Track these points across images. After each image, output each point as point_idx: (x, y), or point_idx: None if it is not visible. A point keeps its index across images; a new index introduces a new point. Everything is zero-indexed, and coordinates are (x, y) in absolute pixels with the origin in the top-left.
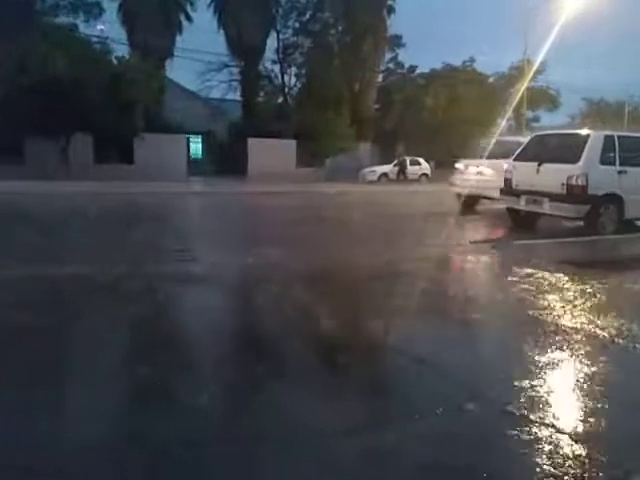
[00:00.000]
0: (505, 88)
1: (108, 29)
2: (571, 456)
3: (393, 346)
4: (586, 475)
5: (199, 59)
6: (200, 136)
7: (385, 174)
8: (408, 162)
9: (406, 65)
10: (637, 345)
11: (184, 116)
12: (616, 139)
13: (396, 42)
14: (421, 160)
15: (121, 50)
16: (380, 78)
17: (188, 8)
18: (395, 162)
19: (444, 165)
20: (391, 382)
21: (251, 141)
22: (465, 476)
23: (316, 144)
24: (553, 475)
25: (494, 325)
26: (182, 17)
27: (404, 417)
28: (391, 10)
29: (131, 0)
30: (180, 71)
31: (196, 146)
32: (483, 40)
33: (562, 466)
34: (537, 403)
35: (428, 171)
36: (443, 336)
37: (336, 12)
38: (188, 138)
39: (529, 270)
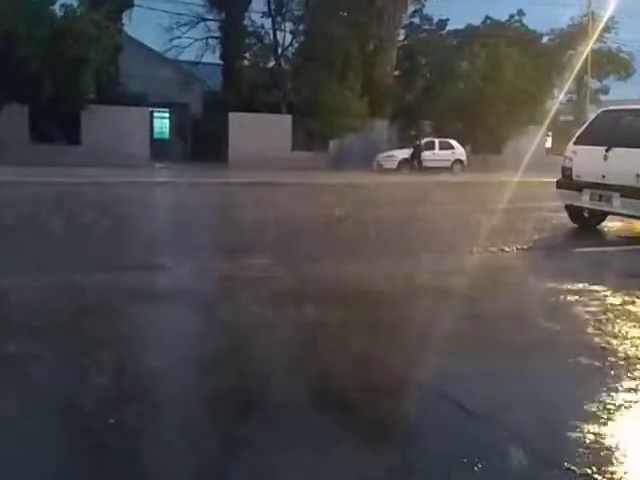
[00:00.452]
0: (563, 50)
1: None
2: None
3: (422, 384)
4: None
5: (167, 11)
6: (167, 110)
7: (407, 160)
8: (423, 143)
9: (435, 20)
10: None
11: (147, 84)
12: None
13: None
14: (454, 143)
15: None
16: (401, 36)
17: None
18: (414, 144)
19: (483, 149)
20: (420, 429)
21: (233, 117)
22: None
23: (318, 122)
24: None
25: (548, 357)
26: None
27: (437, 472)
28: None
29: None
30: (143, 26)
31: (162, 123)
32: None
33: None
34: (603, 459)
35: (463, 157)
36: (484, 371)
37: None
38: (152, 112)
39: (593, 287)
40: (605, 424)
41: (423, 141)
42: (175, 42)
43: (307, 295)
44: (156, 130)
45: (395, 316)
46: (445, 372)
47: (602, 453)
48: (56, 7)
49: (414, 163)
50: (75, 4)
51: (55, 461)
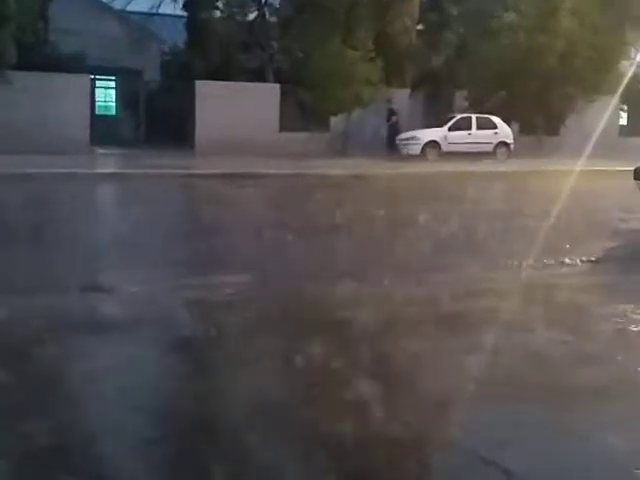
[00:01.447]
0: None
1: None
2: None
3: (461, 447)
4: None
5: None
6: (114, 77)
7: (433, 143)
8: (396, 120)
9: None
10: None
11: (86, 43)
12: None
13: None
14: (497, 120)
15: None
16: None
17: None
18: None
19: (535, 128)
20: None
21: (201, 86)
22: None
23: (314, 92)
24: None
25: (627, 407)
26: None
27: None
28: None
29: None
30: None
31: (106, 94)
32: None
33: None
34: None
35: (509, 139)
36: (540, 427)
37: None
38: (93, 80)
39: None
40: None
41: (455, 118)
42: None
43: (299, 326)
44: (98, 104)
45: (424, 354)
46: (490, 431)
47: None
48: None
49: (401, 147)
50: None
51: None
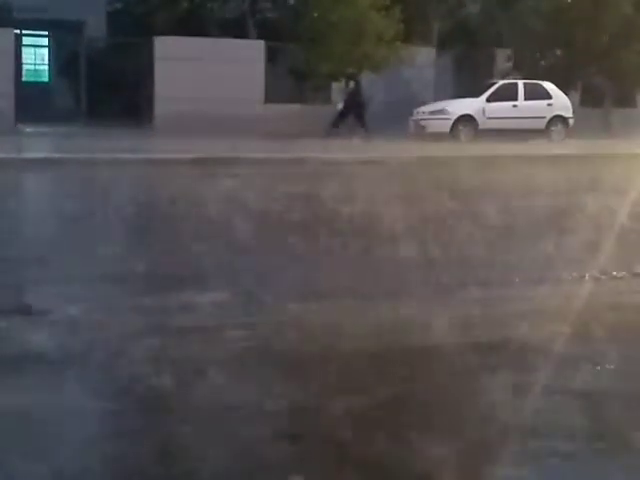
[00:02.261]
0: None
1: None
2: None
3: None
4: None
5: None
6: (46, 33)
7: (469, 118)
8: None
9: None
10: None
11: None
12: None
13: None
14: (551, 88)
15: None
16: None
17: None
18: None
19: (602, 99)
20: None
21: (162, 44)
22: None
23: (312, 51)
24: None
25: None
26: None
27: None
28: None
29: None
30: None
31: (37, 54)
32: None
33: None
34: None
35: (567, 112)
36: None
37: None
38: (19, 36)
39: None
40: None
41: (496, 85)
42: None
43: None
44: (27, 68)
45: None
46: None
47: None
48: None
49: (361, 130)
50: None
51: None
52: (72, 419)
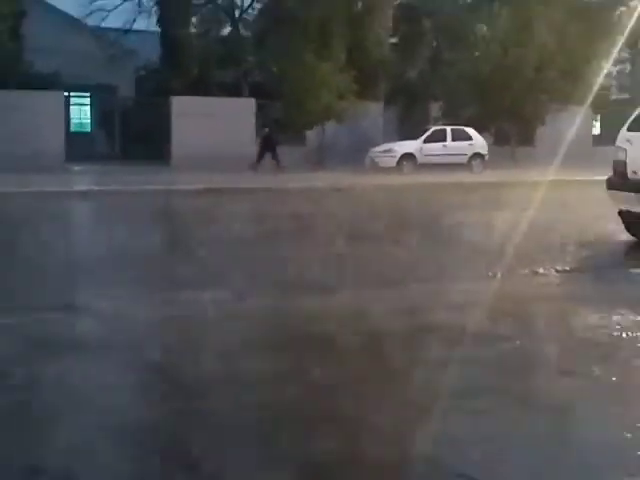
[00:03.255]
0: (612, 7)
1: None
2: None
3: (429, 458)
4: None
5: None
6: (88, 94)
7: (409, 156)
8: (269, 134)
9: None
10: None
11: (60, 60)
12: None
13: None
14: (471, 132)
15: None
16: None
17: None
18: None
19: (509, 139)
20: None
21: (177, 102)
22: None
23: (290, 107)
24: None
25: (593, 419)
26: None
27: None
28: None
29: None
30: None
31: (81, 111)
32: None
33: None
34: None
35: (484, 150)
36: (505, 440)
37: None
38: (67, 97)
39: None
40: None
41: (430, 130)
42: (98, 3)
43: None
44: (74, 121)
45: (398, 365)
46: (461, 441)
47: None
48: None
49: (277, 161)
50: None
51: None
52: (108, 379)
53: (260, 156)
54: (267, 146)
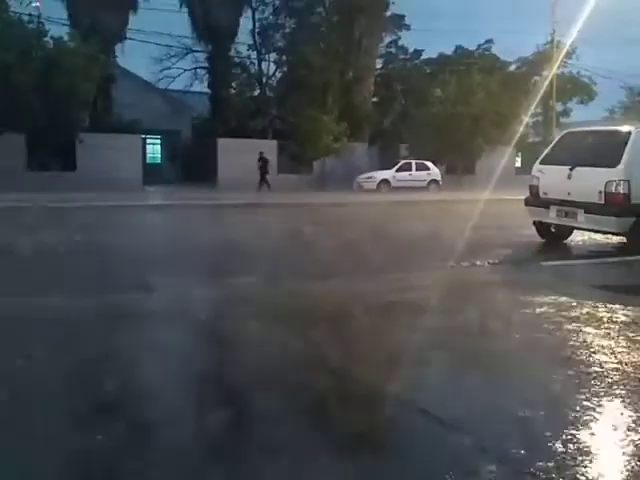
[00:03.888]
0: (529, 76)
1: (48, 8)
2: None
3: (396, 396)
4: None
5: (158, 43)
6: (159, 136)
7: (385, 181)
8: (262, 163)
9: (410, 50)
10: None
11: (139, 112)
12: None
13: (397, 23)
14: (429, 164)
15: (62, 32)
16: (379, 65)
17: None
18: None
19: (456, 169)
20: (398, 441)
21: (222, 142)
22: None
23: (301, 146)
24: None
25: (517, 368)
26: None
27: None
28: None
29: None
30: (134, 58)
31: (154, 148)
32: (504, 18)
33: None
34: (573, 466)
35: (438, 177)
36: (454, 383)
37: None
38: (144, 139)
39: (560, 298)
40: (571, 431)
41: (400, 163)
42: (165, 72)
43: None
44: (148, 155)
45: (374, 331)
46: (421, 384)
47: (568, 458)
48: (49, 39)
49: (262, 185)
50: (66, 37)
51: None
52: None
53: (261, 180)
54: (262, 173)
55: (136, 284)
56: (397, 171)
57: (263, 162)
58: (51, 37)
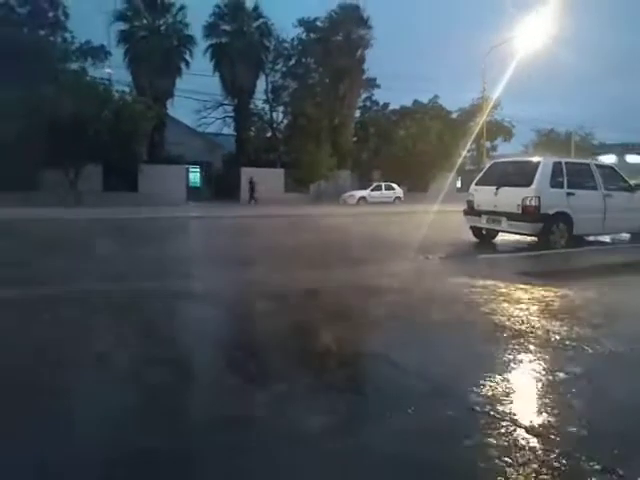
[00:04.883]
0: (467, 122)
1: (117, 73)
2: (526, 447)
3: (371, 353)
4: (538, 463)
5: (197, 98)
6: (198, 166)
7: (363, 198)
8: (252, 185)
9: (380, 103)
10: (584, 346)
11: (184, 149)
12: (564, 165)
13: (371, 83)
14: (394, 185)
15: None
16: (357, 114)
17: (187, 55)
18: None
19: (414, 189)
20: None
21: (244, 170)
22: (432, 468)
23: (301, 172)
24: (510, 464)
25: (457, 332)
26: (181, 63)
27: (381, 415)
28: (363, 59)
29: (136, 47)
30: (180, 109)
31: (195, 175)
32: (447, 79)
33: (517, 455)
34: (500, 401)
35: (401, 194)
36: (415, 344)
37: (316, 58)
38: (187, 168)
39: (490, 281)
40: (499, 376)
41: (373, 185)
42: (203, 120)
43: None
44: (191, 180)
45: (352, 305)
46: (386, 342)
47: (496, 397)
48: (114, 94)
49: (250, 200)
50: (126, 91)
51: None
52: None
53: (250, 196)
54: (252, 190)
55: (182, 274)
56: (372, 190)
57: (252, 185)
58: (116, 91)
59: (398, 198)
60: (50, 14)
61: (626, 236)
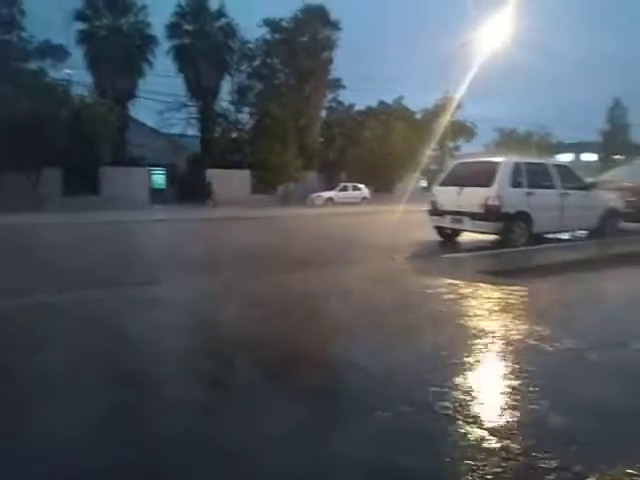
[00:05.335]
0: (431, 122)
1: (77, 74)
2: (490, 448)
3: (339, 357)
4: (497, 463)
5: (160, 100)
6: (163, 168)
7: (330, 198)
8: (210, 187)
9: (346, 104)
10: (544, 345)
11: (147, 151)
12: (523, 165)
13: (337, 84)
14: (361, 186)
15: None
16: (323, 115)
17: (149, 55)
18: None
19: (380, 190)
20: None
21: (209, 172)
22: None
23: (268, 173)
24: (473, 466)
25: (426, 333)
26: (143, 63)
27: (353, 418)
28: (329, 60)
29: (96, 47)
30: (143, 111)
31: (159, 177)
32: (412, 80)
33: (481, 457)
34: (462, 402)
35: (367, 195)
36: (379, 346)
37: (282, 59)
38: (149, 170)
39: (453, 280)
40: (462, 378)
41: (341, 185)
42: (167, 121)
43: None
44: (155, 183)
45: (312, 308)
46: (347, 345)
47: (460, 399)
48: (73, 96)
49: (209, 202)
50: (85, 93)
51: None
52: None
53: (209, 197)
54: (209, 192)
55: (148, 279)
56: (339, 191)
57: (208, 187)
58: (75, 94)
59: (365, 198)
60: (4, 11)
61: (583, 233)
